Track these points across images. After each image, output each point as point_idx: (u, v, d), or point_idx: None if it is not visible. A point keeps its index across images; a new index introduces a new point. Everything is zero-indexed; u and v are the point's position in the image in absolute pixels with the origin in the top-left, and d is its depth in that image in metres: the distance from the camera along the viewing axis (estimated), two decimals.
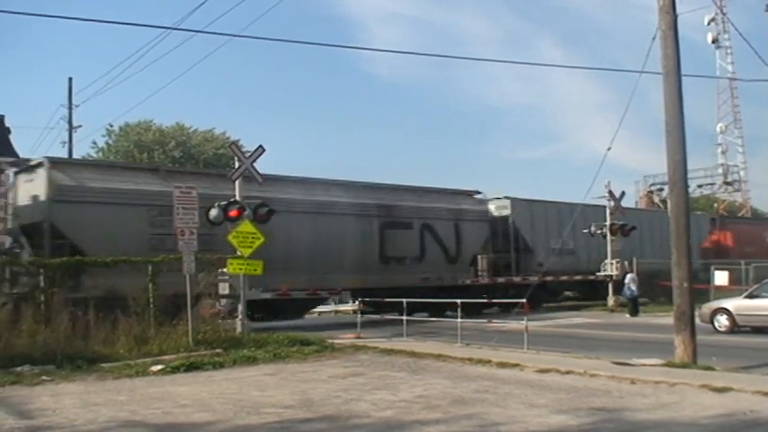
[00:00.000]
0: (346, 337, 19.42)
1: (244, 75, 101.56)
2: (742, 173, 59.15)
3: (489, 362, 14.08)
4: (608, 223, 34.17)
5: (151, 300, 17.13)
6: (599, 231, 34.06)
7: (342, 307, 34.94)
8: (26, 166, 21.38)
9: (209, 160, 48.83)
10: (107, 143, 50.90)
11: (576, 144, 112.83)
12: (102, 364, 14.33)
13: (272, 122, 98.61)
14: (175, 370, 13.96)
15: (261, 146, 19.70)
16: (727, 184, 57.74)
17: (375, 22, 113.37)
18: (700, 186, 57.23)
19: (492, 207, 33.55)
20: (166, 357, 15.07)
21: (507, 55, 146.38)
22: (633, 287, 29.44)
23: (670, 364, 12.85)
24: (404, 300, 20.50)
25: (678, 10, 13.68)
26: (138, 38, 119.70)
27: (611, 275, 33.61)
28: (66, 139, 38.68)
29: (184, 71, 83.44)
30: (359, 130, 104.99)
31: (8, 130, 28.22)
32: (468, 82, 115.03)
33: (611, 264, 33.75)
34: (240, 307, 18.71)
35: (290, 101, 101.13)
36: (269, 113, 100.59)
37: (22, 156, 27.27)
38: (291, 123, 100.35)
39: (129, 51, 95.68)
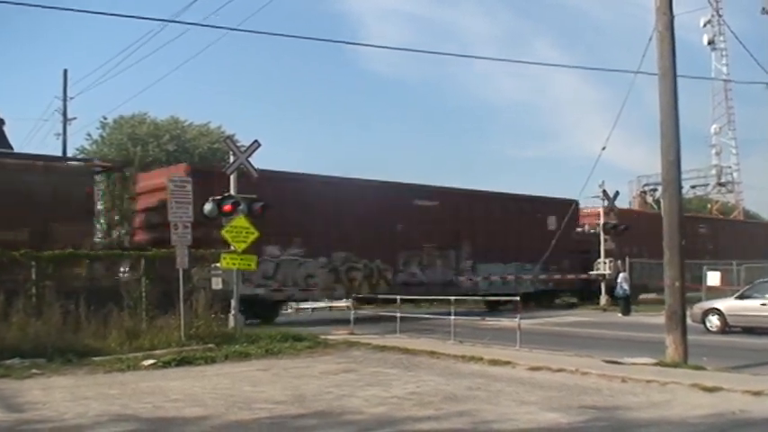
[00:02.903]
0: (339, 334, 19.42)
1: (241, 69, 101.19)
2: (735, 174, 59.37)
3: (482, 359, 14.11)
4: (602, 222, 34.31)
5: (143, 293, 17.11)
6: (592, 231, 34.18)
7: (335, 303, 34.87)
8: None
9: (204, 154, 48.79)
10: (101, 136, 50.82)
11: (572, 142, 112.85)
12: (93, 358, 14.28)
13: (269, 117, 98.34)
14: (167, 364, 13.93)
15: (256, 140, 19.69)
16: (720, 185, 57.93)
17: (373, 18, 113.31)
18: (693, 187, 57.40)
19: None
20: (158, 352, 15.03)
21: (505, 53, 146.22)
22: (626, 286, 29.54)
23: (661, 364, 12.90)
24: (398, 297, 20.53)
25: (675, 11, 13.72)
26: (133, 30, 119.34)
27: (604, 275, 33.72)
28: (61, 131, 38.60)
29: (180, 64, 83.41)
30: (357, 127, 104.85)
31: (2, 122, 28.09)
32: (466, 79, 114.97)
33: (604, 263, 33.86)
34: (233, 302, 18.69)
35: (287, 96, 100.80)
36: (265, 109, 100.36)
37: (16, 148, 27.18)
38: (288, 119, 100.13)
39: (124, 44, 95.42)
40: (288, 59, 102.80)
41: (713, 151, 58.12)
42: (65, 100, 38.35)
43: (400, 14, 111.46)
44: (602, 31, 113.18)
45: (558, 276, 33.00)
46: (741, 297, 20.89)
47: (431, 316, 21.74)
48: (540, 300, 32.22)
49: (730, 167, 58.91)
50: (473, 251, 31.00)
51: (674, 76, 13.64)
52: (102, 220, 26.25)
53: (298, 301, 29.79)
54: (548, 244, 26.98)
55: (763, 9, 39.33)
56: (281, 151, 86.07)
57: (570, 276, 33.71)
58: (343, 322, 22.62)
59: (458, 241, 30.59)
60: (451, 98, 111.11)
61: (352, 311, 22.02)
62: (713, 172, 57.52)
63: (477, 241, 31.05)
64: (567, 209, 30.31)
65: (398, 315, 20.12)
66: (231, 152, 19.96)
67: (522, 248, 31.42)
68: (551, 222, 32.09)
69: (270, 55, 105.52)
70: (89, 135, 50.33)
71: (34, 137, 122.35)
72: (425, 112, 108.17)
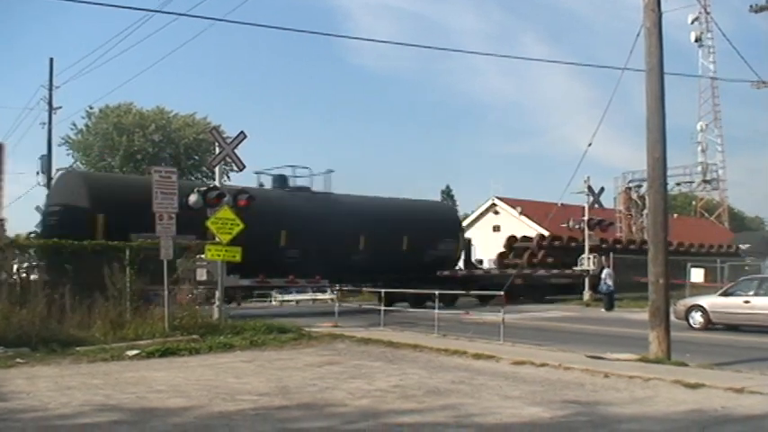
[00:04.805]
0: (324, 326, 19.41)
1: (227, 61, 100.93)
2: (720, 171, 59.75)
3: (465, 353, 14.13)
4: (586, 218, 34.42)
5: (128, 284, 17.04)
6: (577, 226, 34.30)
7: (320, 296, 34.97)
8: None
9: (190, 145, 48.61)
10: (86, 125, 50.49)
11: (561, 139, 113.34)
12: (77, 348, 14.23)
13: (255, 111, 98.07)
14: (151, 355, 13.90)
15: (242, 132, 19.63)
16: (705, 182, 58.14)
17: (364, 14, 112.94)
18: (678, 184, 57.56)
19: None
20: (142, 342, 14.99)
21: (494, 49, 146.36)
22: (609, 282, 29.69)
23: (644, 360, 12.96)
24: (382, 290, 20.54)
25: (663, 8, 13.75)
26: (120, 19, 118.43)
27: (588, 270, 33.86)
28: (46, 121, 38.26)
29: (166, 54, 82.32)
30: (344, 122, 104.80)
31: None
32: (455, 75, 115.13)
33: (589, 258, 33.99)
34: (217, 293, 18.65)
35: (274, 88, 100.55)
36: (252, 101, 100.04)
37: (1, 137, 26.93)
38: (275, 113, 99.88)
39: (111, 33, 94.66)
40: (275, 52, 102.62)
41: (699, 148, 58.41)
42: (50, 89, 37.99)
43: (390, 10, 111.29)
44: (593, 32, 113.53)
45: None
46: (725, 294, 21.02)
47: (415, 309, 21.77)
48: None
49: (716, 165, 59.26)
50: None
51: (662, 72, 13.67)
52: None
53: None
54: None
55: (752, 7, 39.59)
56: (264, 141, 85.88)
57: None
58: (328, 315, 22.62)
59: None
60: (439, 94, 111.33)
61: (337, 304, 22.02)
62: (699, 169, 57.73)
63: None
64: None
65: (382, 308, 20.14)
66: (217, 143, 19.88)
67: None
68: None
69: (256, 47, 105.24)
70: (74, 125, 50.06)
71: (19, 126, 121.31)
72: (413, 107, 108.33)
